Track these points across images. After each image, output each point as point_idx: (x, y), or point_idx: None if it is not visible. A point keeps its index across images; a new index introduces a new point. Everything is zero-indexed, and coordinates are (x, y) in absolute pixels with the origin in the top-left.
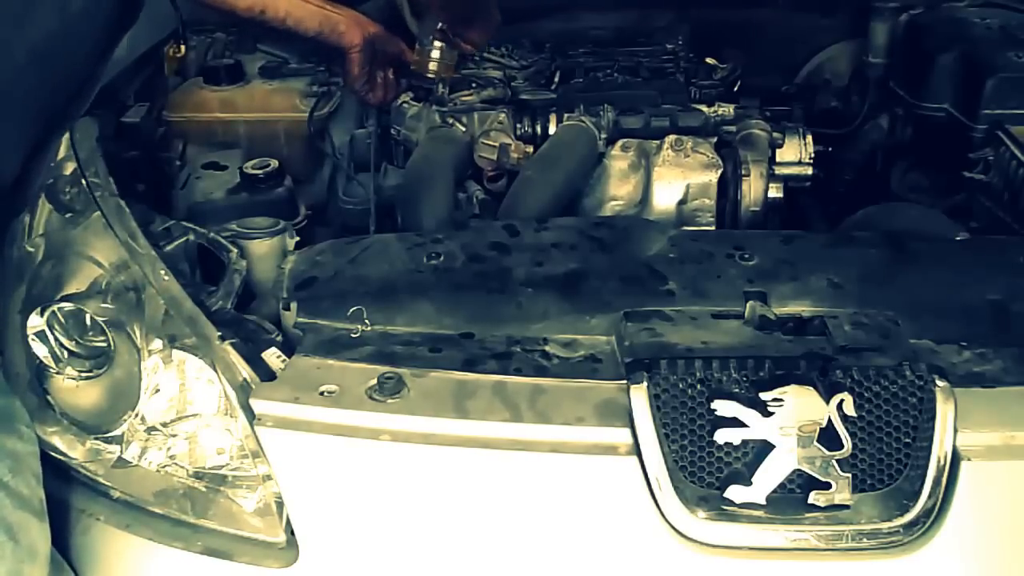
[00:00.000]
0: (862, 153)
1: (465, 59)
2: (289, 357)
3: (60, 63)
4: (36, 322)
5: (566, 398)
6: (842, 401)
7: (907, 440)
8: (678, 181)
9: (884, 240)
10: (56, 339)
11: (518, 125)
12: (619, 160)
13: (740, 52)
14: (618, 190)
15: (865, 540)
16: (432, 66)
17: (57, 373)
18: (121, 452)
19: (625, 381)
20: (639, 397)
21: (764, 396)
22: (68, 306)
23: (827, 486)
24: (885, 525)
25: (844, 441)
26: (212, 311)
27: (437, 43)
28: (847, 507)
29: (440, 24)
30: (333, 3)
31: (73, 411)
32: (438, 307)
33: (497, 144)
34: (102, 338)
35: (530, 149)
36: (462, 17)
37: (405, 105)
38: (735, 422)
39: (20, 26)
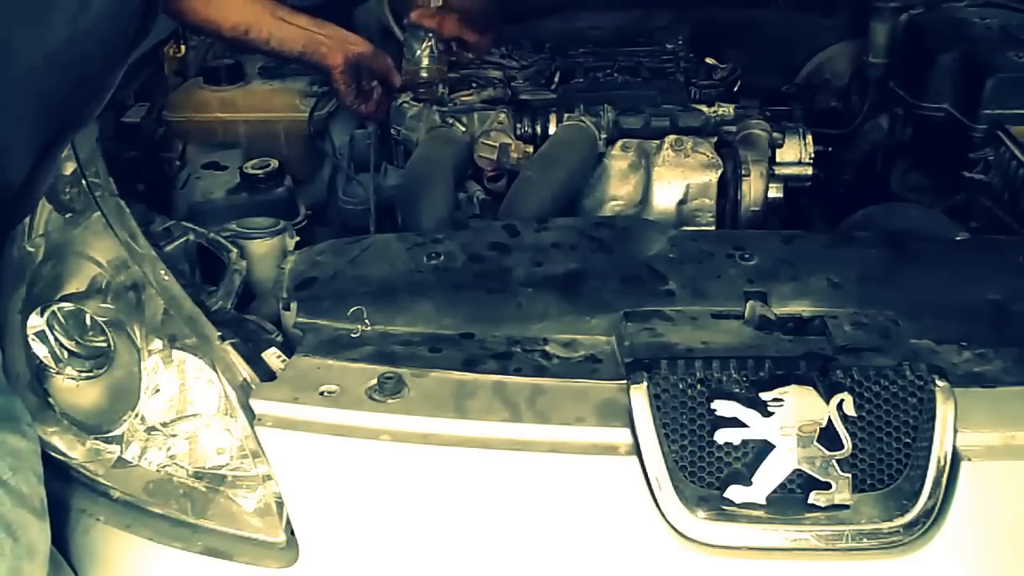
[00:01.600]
0: (862, 153)
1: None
2: (289, 357)
3: (74, 70)
4: (36, 322)
5: (566, 398)
6: (842, 401)
7: (907, 440)
8: (678, 181)
9: (884, 240)
10: (56, 339)
11: (518, 125)
12: (619, 160)
13: (740, 52)
14: (618, 190)
15: (865, 540)
16: (424, 74)
17: (57, 373)
18: (121, 452)
19: (625, 381)
20: (639, 397)
21: (764, 396)
22: (68, 306)
23: (827, 486)
24: (885, 525)
25: (844, 441)
26: (212, 311)
27: (426, 48)
28: (847, 507)
29: (436, 35)
30: (318, 22)
31: (73, 411)
32: (438, 307)
33: (497, 144)
34: (102, 338)
35: (530, 149)
36: (466, 29)
37: (405, 105)
38: (735, 422)
39: (36, 31)
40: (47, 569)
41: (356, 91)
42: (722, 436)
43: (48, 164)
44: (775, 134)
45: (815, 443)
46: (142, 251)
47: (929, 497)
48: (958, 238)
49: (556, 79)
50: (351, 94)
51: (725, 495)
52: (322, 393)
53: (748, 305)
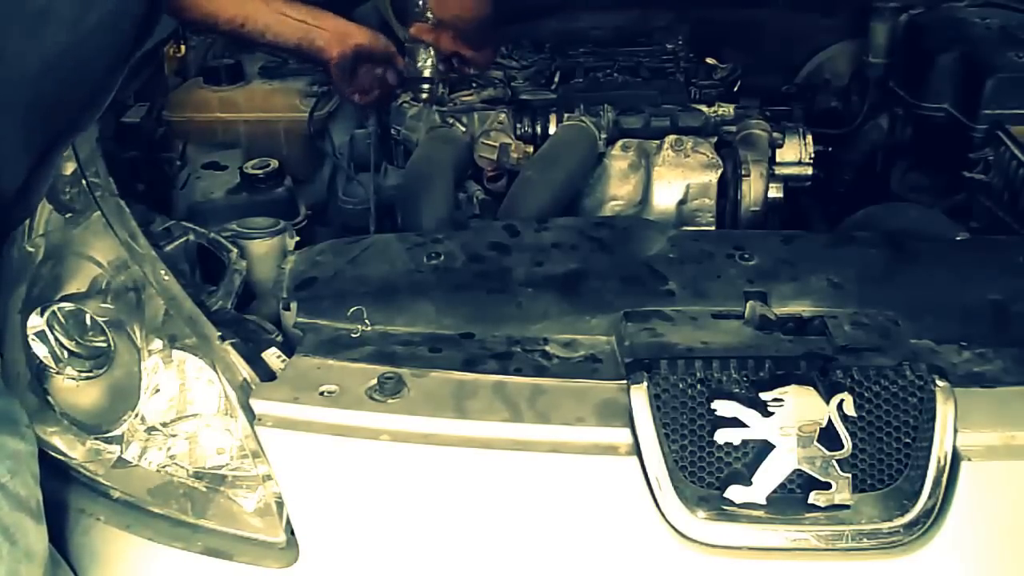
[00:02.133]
0: (862, 153)
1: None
2: (289, 357)
3: (72, 76)
4: (36, 322)
5: (566, 398)
6: (842, 401)
7: (907, 440)
8: (678, 181)
9: (884, 240)
10: (56, 339)
11: (518, 125)
12: (619, 160)
13: (740, 52)
14: (618, 190)
15: (865, 540)
16: (427, 73)
17: (57, 373)
18: (121, 452)
19: (625, 381)
20: (639, 397)
21: (764, 396)
22: (68, 306)
23: (827, 486)
24: (885, 525)
25: (844, 441)
26: (212, 311)
27: (428, 60)
28: (847, 507)
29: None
30: (316, 14)
31: (73, 411)
32: (438, 307)
33: (497, 144)
34: (102, 338)
35: (530, 149)
36: (462, 44)
37: (405, 105)
38: (735, 422)
39: (33, 38)
40: (46, 570)
41: (353, 83)
42: (722, 436)
43: (46, 169)
44: (775, 134)
45: (815, 443)
46: (142, 251)
47: (929, 497)
48: (958, 238)
49: (556, 79)
50: (347, 86)
51: (725, 495)
52: (322, 393)
53: (748, 305)
